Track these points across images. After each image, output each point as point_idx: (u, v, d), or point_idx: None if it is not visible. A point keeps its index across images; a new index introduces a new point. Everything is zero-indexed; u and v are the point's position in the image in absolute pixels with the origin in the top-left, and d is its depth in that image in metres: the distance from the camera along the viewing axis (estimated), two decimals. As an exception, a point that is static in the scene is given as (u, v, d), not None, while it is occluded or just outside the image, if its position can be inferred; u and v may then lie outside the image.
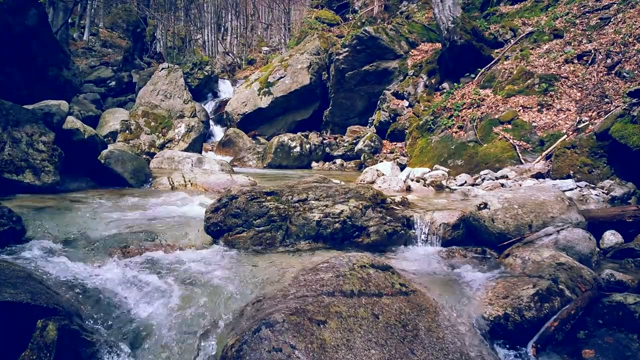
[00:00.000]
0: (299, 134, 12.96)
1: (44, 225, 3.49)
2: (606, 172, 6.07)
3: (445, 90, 10.90)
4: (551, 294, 2.54)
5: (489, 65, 10.17)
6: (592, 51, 8.69)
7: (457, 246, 3.62)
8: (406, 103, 12.12)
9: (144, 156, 9.44)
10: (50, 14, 15.88)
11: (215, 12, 29.31)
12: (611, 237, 3.67)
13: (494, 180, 6.74)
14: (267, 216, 3.48)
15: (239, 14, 30.04)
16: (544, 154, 7.27)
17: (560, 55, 9.13)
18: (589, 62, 8.58)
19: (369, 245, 3.52)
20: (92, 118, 12.60)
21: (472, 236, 3.70)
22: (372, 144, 11.65)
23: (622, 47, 8.25)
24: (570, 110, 7.92)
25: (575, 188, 5.70)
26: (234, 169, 9.36)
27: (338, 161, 11.98)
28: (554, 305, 2.50)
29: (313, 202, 3.64)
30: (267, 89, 14.81)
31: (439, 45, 12.14)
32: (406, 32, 13.70)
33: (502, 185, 6.36)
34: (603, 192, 5.61)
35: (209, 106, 17.25)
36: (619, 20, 9.10)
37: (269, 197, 3.63)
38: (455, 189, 6.54)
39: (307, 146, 11.98)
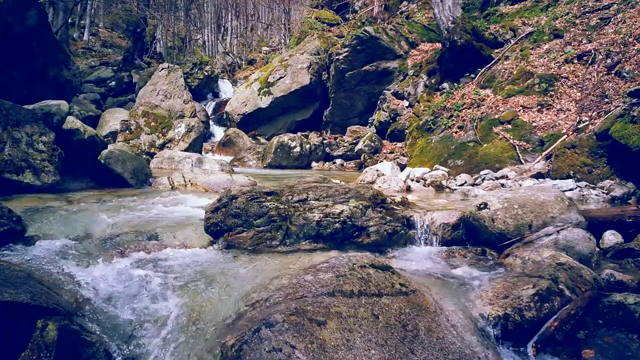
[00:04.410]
0: (299, 134, 12.96)
1: (43, 225, 3.49)
2: (606, 172, 6.07)
3: (445, 90, 10.90)
4: (551, 294, 2.54)
5: (489, 65, 10.17)
6: (592, 51, 8.69)
7: (457, 246, 3.62)
8: (406, 103, 12.12)
9: (144, 156, 9.44)
10: (50, 14, 15.92)
11: (215, 12, 29.30)
12: (611, 237, 3.67)
13: (494, 180, 6.74)
14: (267, 216, 3.48)
15: (239, 14, 30.04)
16: (544, 154, 7.27)
17: (560, 55, 9.12)
18: (589, 62, 8.58)
19: (369, 245, 3.52)
20: (92, 118, 12.58)
21: (472, 236, 3.70)
22: (372, 144, 11.64)
23: (622, 47, 8.25)
24: (570, 110, 7.92)
25: (575, 188, 5.70)
26: (234, 169, 9.36)
27: (338, 161, 11.97)
28: (554, 305, 2.50)
29: (313, 202, 3.64)
30: (267, 89, 14.82)
31: (439, 45, 12.14)
32: (406, 32, 13.70)
33: (502, 185, 6.35)
34: (603, 192, 5.60)
35: (209, 106, 17.25)
36: (619, 20, 9.10)
37: (269, 197, 3.62)
38: (455, 189, 6.54)
39: (307, 146, 11.98)
